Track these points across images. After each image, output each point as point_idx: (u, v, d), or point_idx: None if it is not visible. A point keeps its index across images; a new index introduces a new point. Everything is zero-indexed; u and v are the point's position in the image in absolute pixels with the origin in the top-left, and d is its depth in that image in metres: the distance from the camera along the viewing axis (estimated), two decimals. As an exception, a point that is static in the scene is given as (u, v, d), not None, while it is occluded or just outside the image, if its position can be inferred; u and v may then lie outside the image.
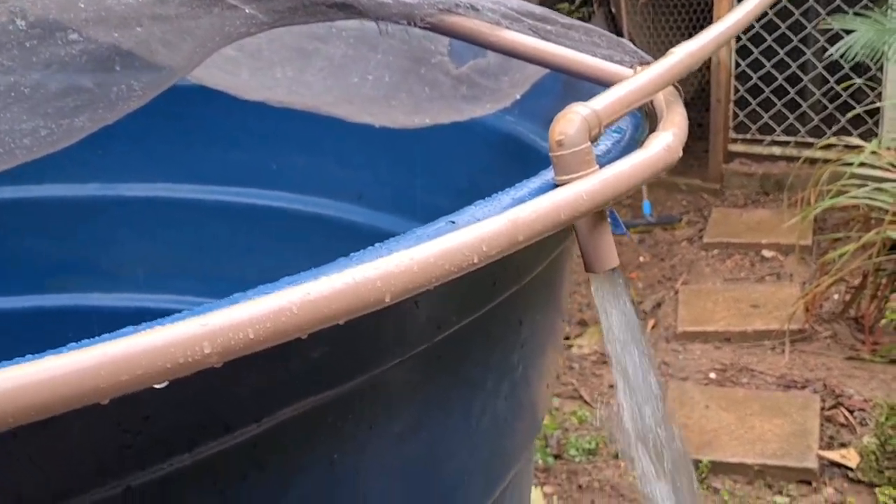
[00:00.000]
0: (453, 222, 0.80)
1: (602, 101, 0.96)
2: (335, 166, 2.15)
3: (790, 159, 4.68)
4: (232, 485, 0.76)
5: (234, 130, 2.18)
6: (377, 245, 0.75)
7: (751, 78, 4.81)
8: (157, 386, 0.59)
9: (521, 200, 0.85)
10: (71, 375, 0.55)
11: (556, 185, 0.90)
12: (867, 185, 3.23)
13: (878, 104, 4.41)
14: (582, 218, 0.87)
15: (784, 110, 4.80)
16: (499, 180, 1.93)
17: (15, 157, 1.12)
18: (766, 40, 4.72)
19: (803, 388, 3.09)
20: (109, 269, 2.36)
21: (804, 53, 4.75)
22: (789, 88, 4.78)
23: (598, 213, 0.91)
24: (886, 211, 3.14)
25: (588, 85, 1.46)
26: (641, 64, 1.28)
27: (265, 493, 0.78)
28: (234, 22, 1.18)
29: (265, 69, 1.73)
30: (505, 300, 0.99)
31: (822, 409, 2.95)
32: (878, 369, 3.16)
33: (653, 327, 3.62)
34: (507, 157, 1.80)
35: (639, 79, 1.05)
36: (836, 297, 3.62)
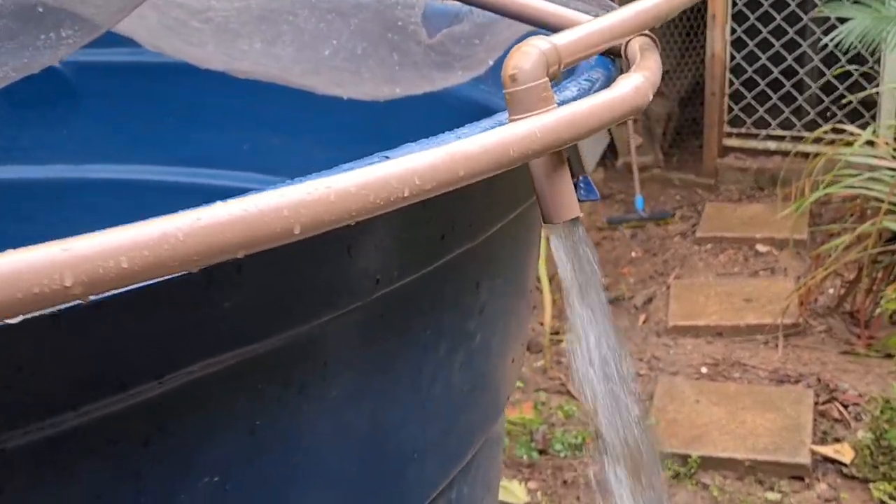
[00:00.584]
0: (387, 157, 0.71)
1: (564, 38, 0.86)
2: (312, 147, 2.07)
3: (786, 154, 4.59)
4: (131, 451, 0.67)
5: (205, 110, 2.10)
6: (297, 179, 0.66)
7: (746, 71, 4.73)
8: (9, 321, 0.50)
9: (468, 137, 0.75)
10: None
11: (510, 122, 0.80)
12: (862, 175, 3.14)
13: (875, 95, 4.32)
14: (535, 157, 0.78)
15: (780, 104, 4.72)
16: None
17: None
18: (761, 32, 4.64)
19: (797, 382, 3.00)
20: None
21: (800, 46, 4.67)
22: (785, 81, 4.69)
23: (556, 157, 0.82)
24: (882, 201, 3.06)
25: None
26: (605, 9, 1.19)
27: (172, 462, 0.69)
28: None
29: (231, 41, 1.64)
30: (458, 259, 0.90)
31: (816, 403, 2.87)
32: (874, 363, 3.07)
33: (643, 322, 3.53)
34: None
35: (607, 19, 0.96)
36: (830, 291, 3.54)
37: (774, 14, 4.61)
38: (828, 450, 2.64)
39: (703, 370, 3.14)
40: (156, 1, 2.16)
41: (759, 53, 4.68)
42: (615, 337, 0.87)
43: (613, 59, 1.09)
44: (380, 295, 0.80)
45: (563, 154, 0.83)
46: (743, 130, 4.82)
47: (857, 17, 3.67)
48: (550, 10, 1.16)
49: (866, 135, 3.22)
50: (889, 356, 3.07)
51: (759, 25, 4.63)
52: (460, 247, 0.89)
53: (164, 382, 0.66)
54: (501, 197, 0.94)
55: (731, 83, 4.80)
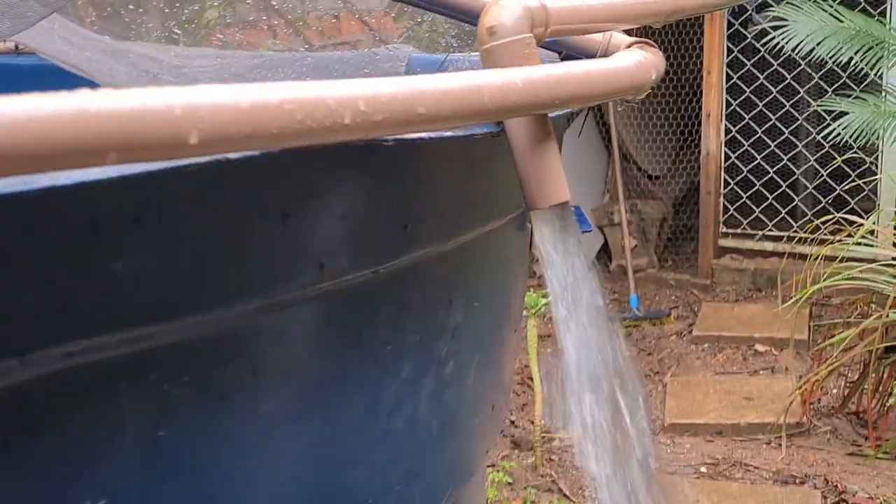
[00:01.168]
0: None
1: (557, 2, 0.75)
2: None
3: (783, 255, 4.48)
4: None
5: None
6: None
7: (741, 170, 4.66)
8: None
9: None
10: None
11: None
12: (864, 266, 3.02)
13: (871, 194, 4.24)
14: (514, 114, 0.65)
15: (776, 203, 4.63)
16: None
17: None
18: (756, 132, 4.58)
19: (802, 483, 2.81)
20: None
21: (795, 145, 4.61)
22: (780, 181, 4.62)
23: (542, 126, 0.69)
24: (888, 296, 2.92)
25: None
26: None
27: (39, 473, 0.53)
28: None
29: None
30: (426, 263, 0.76)
31: (824, 506, 2.68)
32: (884, 465, 2.89)
33: (639, 420, 3.34)
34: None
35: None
36: (834, 391, 3.37)
37: (769, 114, 4.56)
38: (839, 555, 2.44)
39: (703, 470, 2.95)
40: (128, 55, 2.05)
41: (754, 153, 4.62)
42: (616, 351, 0.73)
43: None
44: (325, 287, 0.65)
45: (550, 124, 0.70)
46: (738, 230, 4.72)
47: (853, 111, 3.60)
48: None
49: (868, 224, 3.11)
50: (899, 458, 2.89)
51: (754, 125, 4.58)
52: (428, 245, 0.75)
53: (29, 363, 0.51)
54: (478, 195, 0.80)
55: (727, 183, 4.72)
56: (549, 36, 0.71)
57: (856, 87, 4.06)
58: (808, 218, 4.54)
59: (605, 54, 0.97)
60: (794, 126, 4.58)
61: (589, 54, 1.00)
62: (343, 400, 0.71)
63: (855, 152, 3.87)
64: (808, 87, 4.49)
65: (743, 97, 4.59)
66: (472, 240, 0.82)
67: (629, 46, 0.88)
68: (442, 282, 0.80)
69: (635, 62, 0.72)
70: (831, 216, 4.29)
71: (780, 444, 3.06)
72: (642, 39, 0.90)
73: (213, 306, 0.58)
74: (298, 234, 0.61)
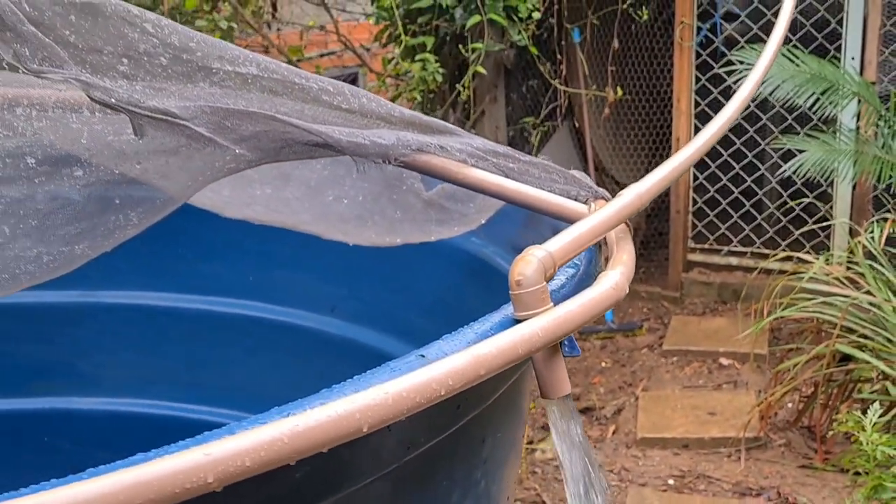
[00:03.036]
0: (423, 356, 0.90)
1: (557, 243, 1.07)
2: (312, 281, 2.26)
3: (746, 269, 4.84)
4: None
5: (214, 244, 2.29)
6: (356, 378, 0.85)
7: (708, 190, 5.01)
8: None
9: (484, 335, 0.95)
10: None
11: (515, 321, 1.00)
12: (817, 299, 3.37)
13: (829, 221, 4.60)
14: (536, 352, 0.98)
15: (740, 222, 4.99)
16: (464, 297, 2.06)
17: (19, 282, 1.22)
18: (722, 155, 4.93)
19: (758, 495, 3.18)
20: (88, 372, 2.43)
21: (759, 168, 4.96)
22: (745, 201, 4.98)
23: (552, 347, 1.02)
24: (835, 325, 3.28)
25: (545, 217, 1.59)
26: (596, 199, 1.41)
27: None
28: (224, 158, 1.28)
29: (245, 186, 1.84)
30: (469, 421, 1.08)
31: (777, 516, 3.04)
32: (830, 477, 3.26)
33: (613, 433, 3.70)
34: (472, 276, 1.91)
35: (591, 220, 1.16)
36: (789, 405, 3.74)
37: (734, 139, 4.91)
38: (788, 562, 2.80)
39: (671, 482, 3.30)
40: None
41: (721, 175, 4.97)
42: (600, 488, 1.05)
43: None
44: (410, 457, 0.98)
45: (559, 345, 1.02)
46: (706, 246, 5.08)
47: (811, 148, 3.95)
48: (546, 198, 1.37)
49: (820, 262, 3.46)
50: (844, 471, 3.25)
51: (720, 149, 4.93)
52: (472, 412, 1.08)
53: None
54: (504, 372, 1.13)
55: (695, 202, 5.07)
56: (557, 270, 1.04)
57: (814, 116, 4.40)
58: (769, 235, 4.91)
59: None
60: (756, 150, 4.93)
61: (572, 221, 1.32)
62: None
63: (807, 176, 4.22)
64: (770, 114, 4.84)
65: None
66: (497, 396, 1.14)
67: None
68: (478, 429, 1.13)
69: (612, 286, 1.04)
70: (792, 234, 4.66)
71: (739, 458, 3.42)
72: (624, 227, 1.23)
73: (346, 488, 0.91)
74: (396, 433, 0.94)
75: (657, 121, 5.23)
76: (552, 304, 1.01)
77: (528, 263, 1.01)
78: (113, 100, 1.16)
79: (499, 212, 1.75)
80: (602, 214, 1.19)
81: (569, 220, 1.36)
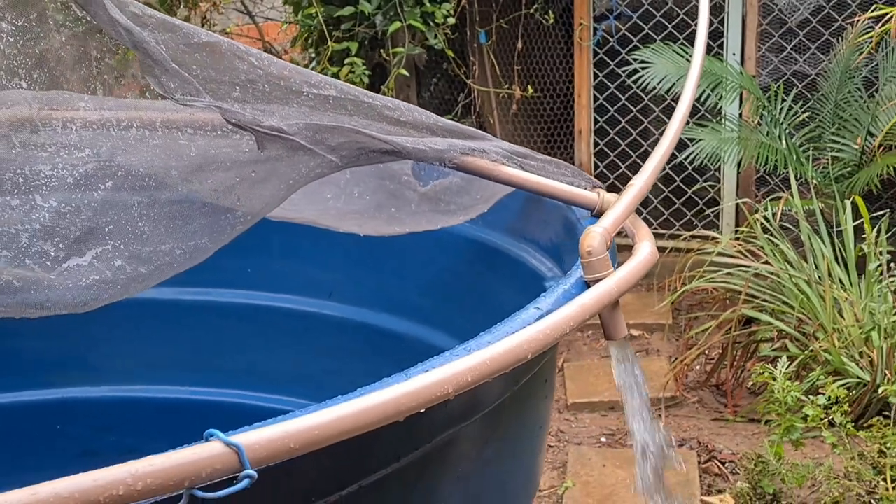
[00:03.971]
0: (539, 308, 1.22)
1: (609, 221, 1.41)
2: (309, 269, 2.52)
3: (645, 249, 5.28)
4: None
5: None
6: (502, 323, 1.16)
7: (608, 178, 5.44)
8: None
9: (568, 295, 1.27)
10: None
11: (586, 283, 1.33)
12: (722, 271, 3.82)
13: (718, 201, 5.09)
14: (609, 307, 1.31)
15: (640, 207, 5.43)
16: (462, 277, 2.39)
17: (163, 272, 1.48)
18: (620, 145, 5.37)
19: (681, 446, 3.59)
20: (99, 363, 2.64)
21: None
22: (642, 186, 5.42)
23: (616, 301, 1.35)
24: (740, 292, 3.73)
25: (543, 204, 1.94)
26: (595, 188, 1.76)
27: None
28: (317, 164, 1.57)
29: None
30: (545, 363, 1.41)
31: (699, 462, 3.46)
32: (741, 427, 3.70)
33: (545, 401, 4.07)
34: (470, 257, 2.22)
35: (621, 205, 1.51)
36: (698, 367, 4.18)
37: (630, 129, 5.35)
38: (714, 499, 3.21)
39: (603, 439, 3.69)
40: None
41: (619, 163, 5.40)
42: (649, 414, 1.39)
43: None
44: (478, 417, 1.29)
45: (618, 299, 1.36)
46: (608, 229, 5.51)
47: (705, 137, 4.41)
48: (562, 188, 1.70)
49: (725, 238, 3.90)
50: (752, 420, 3.71)
51: (619, 139, 5.36)
52: (547, 356, 1.40)
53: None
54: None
55: (597, 188, 5.49)
56: (611, 241, 1.37)
57: (701, 108, 4.85)
58: (665, 217, 5.38)
59: (601, 211, 1.62)
60: (651, 139, 5.39)
61: (589, 208, 1.66)
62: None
63: (701, 162, 4.69)
64: (662, 106, 5.29)
65: (608, 115, 5.36)
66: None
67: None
68: (547, 370, 1.45)
69: (650, 252, 1.39)
70: (685, 216, 5.13)
71: (660, 416, 3.83)
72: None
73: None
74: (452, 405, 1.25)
75: (560, 115, 5.63)
76: (613, 269, 1.35)
77: (595, 237, 1.35)
78: (243, 121, 1.44)
79: (498, 202, 2.07)
80: (627, 199, 1.54)
81: (582, 206, 1.71)
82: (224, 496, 0.81)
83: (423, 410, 0.96)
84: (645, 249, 1.39)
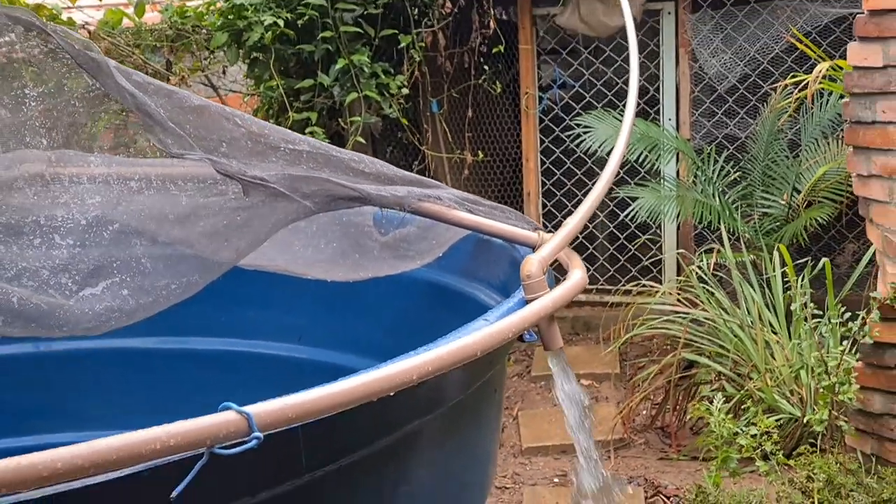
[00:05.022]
0: (487, 320, 1.45)
1: (545, 252, 1.66)
2: (279, 315, 2.74)
3: (593, 304, 5.56)
4: None
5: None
6: (464, 326, 1.39)
7: (556, 237, 5.72)
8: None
9: (510, 311, 1.51)
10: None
11: (526, 301, 1.57)
12: (662, 318, 4.08)
13: (660, 256, 5.39)
14: (545, 320, 1.55)
15: (586, 264, 5.71)
16: (422, 316, 2.62)
17: (160, 303, 1.70)
18: (567, 206, 5.66)
19: (629, 483, 3.81)
20: (80, 411, 2.81)
21: (598, 216, 5.72)
22: (588, 245, 5.71)
23: (552, 316, 1.60)
24: (679, 338, 3.99)
25: (492, 246, 2.18)
26: (536, 229, 2.01)
27: None
28: (293, 209, 1.80)
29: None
30: (495, 371, 1.64)
31: (646, 497, 3.68)
32: (684, 465, 3.94)
33: (501, 446, 4.28)
34: (429, 298, 2.45)
35: (556, 239, 1.76)
36: (643, 412, 4.42)
37: (575, 191, 5.65)
38: (660, 530, 3.43)
39: (556, 480, 3.90)
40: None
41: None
42: (585, 409, 1.63)
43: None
44: (440, 412, 1.52)
45: (553, 314, 1.60)
46: (557, 286, 5.78)
47: (645, 195, 4.71)
48: (507, 229, 1.94)
49: (663, 287, 4.18)
50: (694, 458, 3.94)
51: (565, 200, 5.66)
52: (496, 365, 1.63)
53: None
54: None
55: (545, 247, 5.77)
56: (546, 268, 1.62)
57: (641, 169, 5.16)
58: (610, 273, 5.66)
59: (538, 246, 1.87)
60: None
61: (531, 245, 1.91)
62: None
63: (642, 220, 4.99)
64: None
65: (555, 178, 5.66)
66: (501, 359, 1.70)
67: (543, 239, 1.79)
68: (497, 379, 1.68)
69: (581, 278, 1.63)
70: (629, 272, 5.42)
71: (609, 457, 4.06)
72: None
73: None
74: (432, 387, 1.49)
75: (510, 178, 5.93)
76: (549, 289, 1.59)
77: (533, 263, 1.60)
78: (231, 172, 1.68)
79: (451, 247, 2.32)
80: (562, 235, 1.79)
81: (524, 244, 1.96)
82: (238, 453, 1.03)
83: (392, 394, 1.19)
84: (577, 274, 1.64)
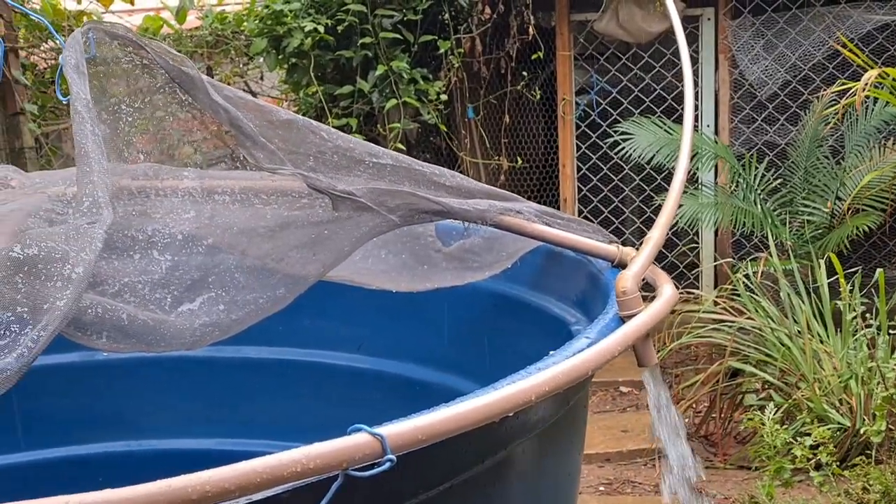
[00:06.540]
0: (588, 338, 1.44)
1: (636, 268, 1.65)
2: (337, 325, 2.73)
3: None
4: None
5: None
6: (563, 347, 1.38)
7: (592, 243, 5.71)
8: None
9: (609, 328, 1.50)
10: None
11: (621, 317, 1.56)
12: (708, 326, 4.07)
13: (697, 263, 5.38)
14: (643, 339, 1.54)
15: (622, 270, 5.71)
16: (485, 326, 2.62)
17: (251, 317, 1.70)
18: (603, 212, 5.65)
19: (676, 493, 3.79)
20: (136, 419, 2.82)
21: (635, 223, 5.71)
22: (624, 251, 5.70)
23: (648, 333, 1.59)
24: (725, 346, 3.98)
25: (563, 259, 2.17)
26: (612, 242, 2.00)
27: None
28: (378, 222, 1.80)
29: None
30: (583, 394, 1.63)
31: (694, 507, 3.66)
32: (731, 474, 3.92)
33: (543, 455, 4.27)
34: (495, 308, 2.44)
35: (644, 254, 1.75)
36: (687, 420, 4.41)
37: (612, 196, 5.64)
38: (710, 540, 3.42)
39: (601, 488, 3.89)
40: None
41: (603, 228, 5.67)
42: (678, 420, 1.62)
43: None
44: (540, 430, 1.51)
45: (650, 331, 1.59)
46: (593, 292, 5.77)
47: (685, 203, 4.70)
48: (585, 242, 1.93)
49: (711, 296, 4.17)
50: (741, 467, 3.93)
51: (601, 206, 5.65)
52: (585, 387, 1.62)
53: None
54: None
55: (581, 254, 5.76)
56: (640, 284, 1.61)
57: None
58: (644, 282, 5.64)
59: (621, 262, 1.86)
60: (632, 206, 5.69)
61: (610, 259, 1.90)
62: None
63: (681, 227, 4.98)
64: (641, 175, 5.59)
65: (591, 184, 5.65)
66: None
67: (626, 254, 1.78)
68: (585, 399, 1.67)
69: (672, 293, 1.62)
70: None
71: (654, 465, 4.05)
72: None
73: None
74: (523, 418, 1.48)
75: (546, 184, 5.92)
76: (644, 305, 1.58)
77: (628, 280, 1.59)
78: (321, 186, 1.67)
79: (520, 258, 2.31)
80: (648, 248, 1.78)
81: (604, 257, 1.95)
82: (373, 475, 1.02)
83: (510, 415, 1.18)
84: (668, 290, 1.63)
